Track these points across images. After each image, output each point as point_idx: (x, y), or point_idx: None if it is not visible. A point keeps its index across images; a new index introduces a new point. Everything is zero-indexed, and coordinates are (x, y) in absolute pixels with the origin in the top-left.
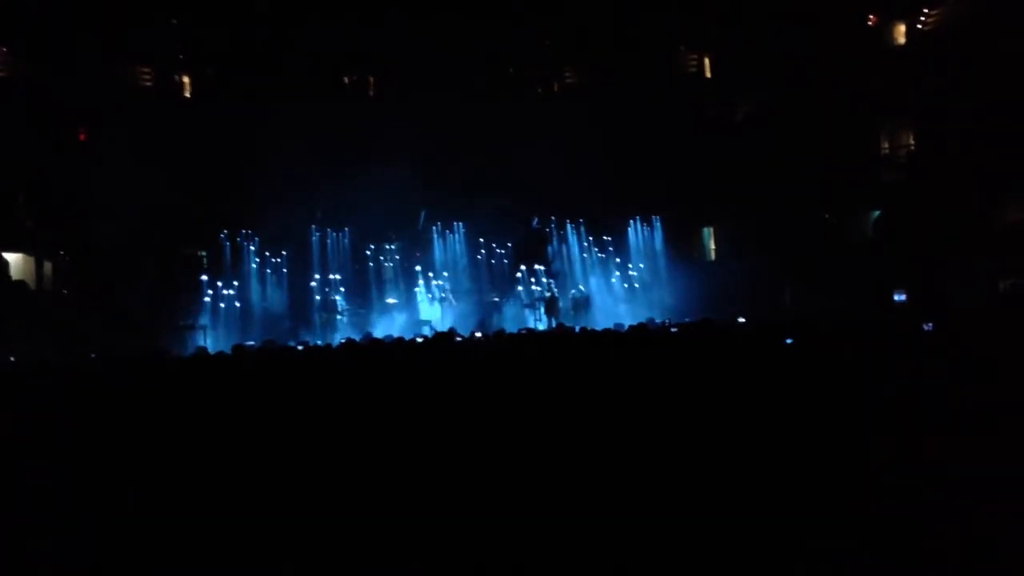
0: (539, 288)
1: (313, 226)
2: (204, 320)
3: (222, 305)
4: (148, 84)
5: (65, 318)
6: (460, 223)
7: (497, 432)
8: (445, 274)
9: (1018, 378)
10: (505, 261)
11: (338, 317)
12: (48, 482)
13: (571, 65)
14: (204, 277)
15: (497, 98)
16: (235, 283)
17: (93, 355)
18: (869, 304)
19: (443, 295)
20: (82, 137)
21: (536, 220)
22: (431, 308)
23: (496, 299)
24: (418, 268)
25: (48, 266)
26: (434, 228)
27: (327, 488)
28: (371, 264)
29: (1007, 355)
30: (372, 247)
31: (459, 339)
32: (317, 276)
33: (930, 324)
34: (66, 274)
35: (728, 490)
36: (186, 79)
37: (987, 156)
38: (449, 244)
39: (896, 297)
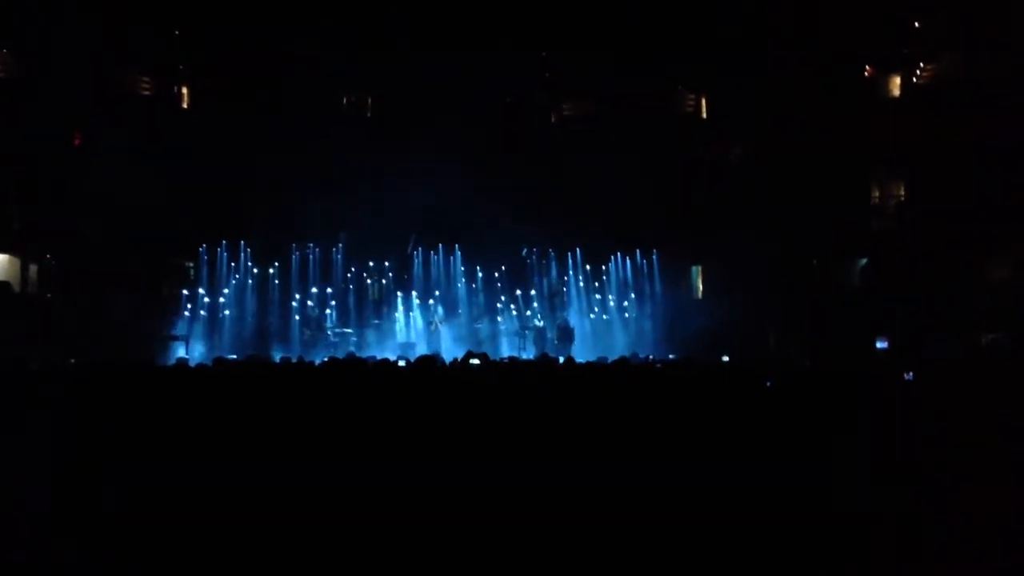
0: (529, 316)
1: (302, 243)
2: (186, 331)
3: (205, 316)
4: (146, 92)
5: (48, 322)
6: (449, 247)
7: (470, 456)
8: (432, 299)
9: (988, 433)
10: (499, 285)
11: (322, 335)
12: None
13: (569, 98)
14: (189, 288)
15: (493, 127)
16: (220, 295)
17: (72, 360)
18: (851, 350)
19: (430, 320)
20: (76, 142)
21: (524, 249)
22: (417, 331)
23: (478, 325)
24: (403, 291)
25: (34, 269)
26: (421, 251)
27: (301, 503)
28: (358, 284)
29: (980, 410)
30: (360, 268)
31: (443, 364)
32: (301, 293)
33: (911, 374)
34: (52, 278)
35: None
36: (184, 90)
37: (975, 211)
38: (438, 267)
39: (878, 344)
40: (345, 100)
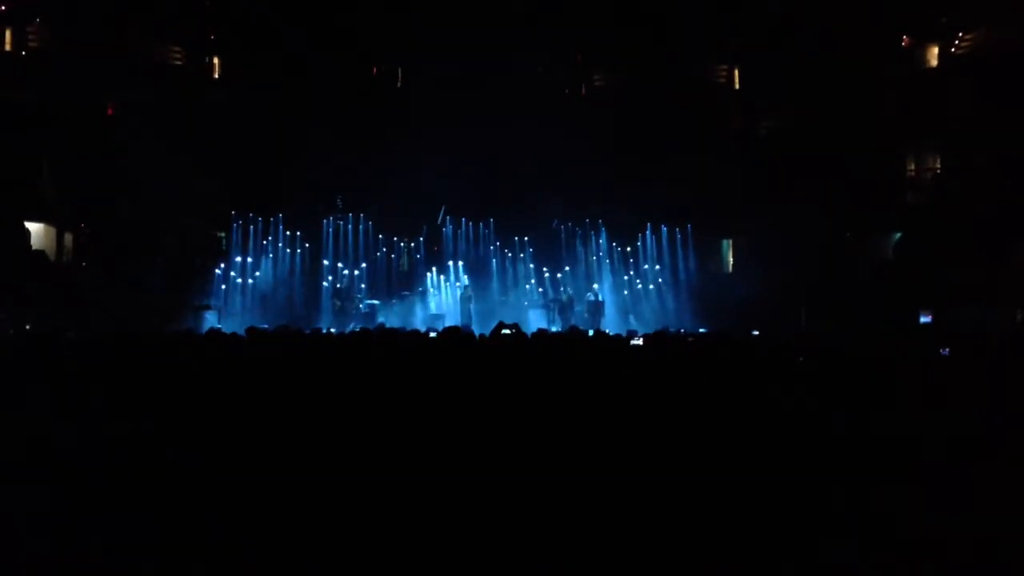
0: (563, 290)
1: (334, 215)
2: (219, 301)
3: (238, 286)
4: (178, 63)
5: (82, 290)
6: (480, 221)
7: (494, 430)
8: (463, 271)
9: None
10: (533, 262)
11: (352, 306)
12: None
13: (600, 69)
14: (221, 258)
15: (524, 99)
16: (253, 266)
17: (107, 330)
18: (889, 326)
19: (466, 292)
20: (110, 111)
21: (556, 221)
22: (447, 303)
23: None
24: (433, 263)
25: (68, 238)
26: (451, 223)
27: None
28: (388, 255)
29: (1014, 385)
30: (391, 239)
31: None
32: (332, 263)
33: (947, 350)
34: (86, 247)
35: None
36: (216, 60)
37: (1012, 185)
38: (467, 240)
39: (922, 319)
40: (375, 70)
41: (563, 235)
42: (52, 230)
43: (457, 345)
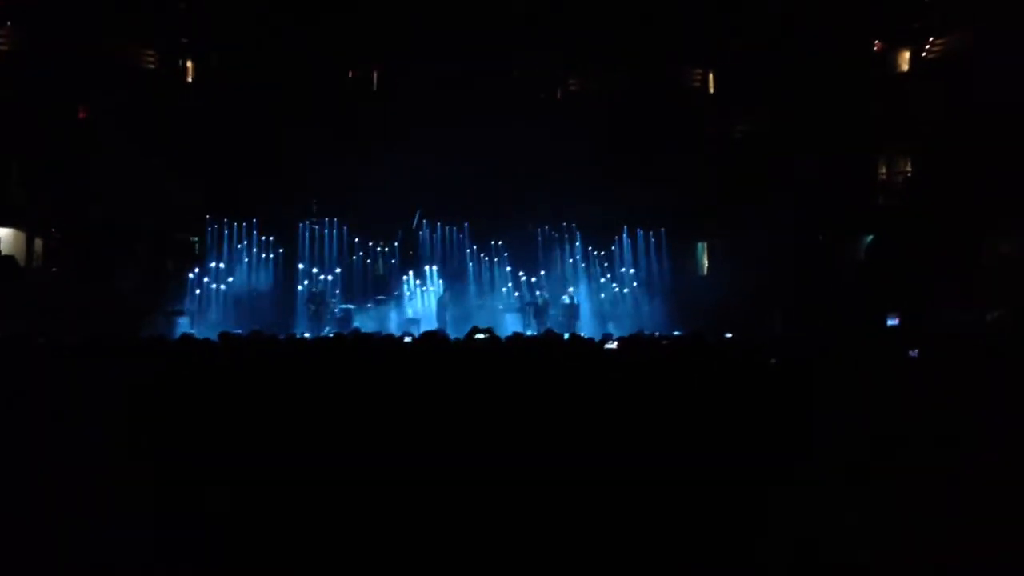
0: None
1: (307, 218)
2: (192, 306)
3: (212, 291)
4: (151, 66)
5: (53, 296)
6: (455, 225)
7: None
8: (437, 275)
9: (984, 411)
10: (509, 266)
11: (327, 310)
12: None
13: (576, 74)
14: (194, 263)
15: (499, 101)
16: (225, 271)
17: (75, 335)
18: (859, 328)
19: (441, 295)
20: (81, 115)
21: (531, 225)
22: (422, 307)
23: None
24: (408, 268)
25: (39, 243)
26: (427, 227)
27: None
28: (364, 260)
29: (979, 387)
30: (365, 244)
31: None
32: (307, 267)
33: (916, 351)
34: (56, 252)
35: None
36: (189, 64)
37: (982, 188)
38: (443, 244)
39: (889, 322)
40: (350, 74)
41: (540, 239)
42: (22, 235)
43: (431, 350)
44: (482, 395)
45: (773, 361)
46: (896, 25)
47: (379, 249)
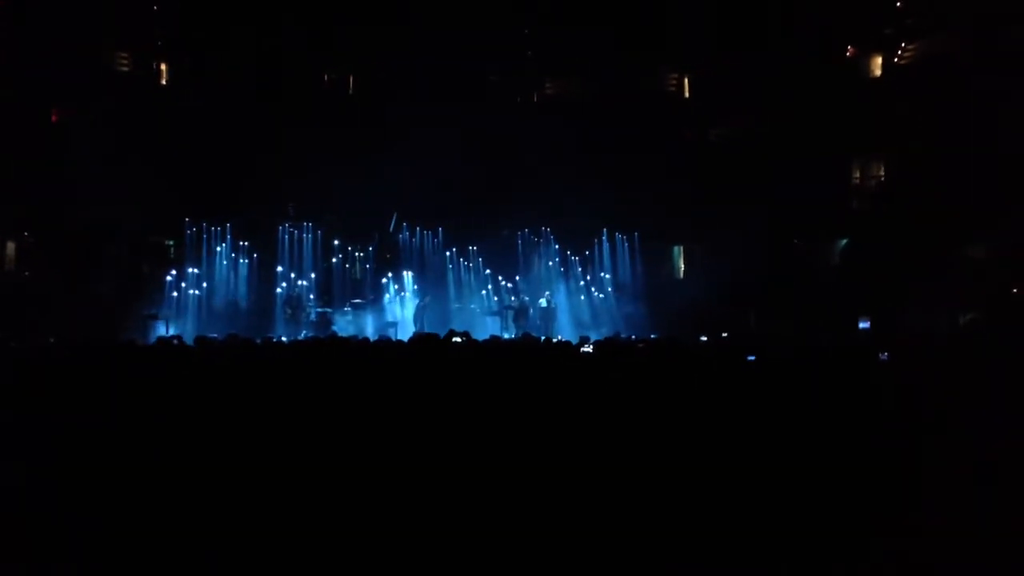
0: (512, 297)
1: (284, 222)
2: (168, 310)
3: (188, 295)
4: (125, 69)
5: (25, 300)
6: (432, 229)
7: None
8: (414, 279)
9: (958, 412)
10: (487, 269)
11: (304, 313)
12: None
13: (552, 77)
14: (170, 266)
15: (476, 105)
16: (201, 275)
17: (51, 340)
18: (831, 331)
19: (422, 298)
20: (54, 118)
21: (507, 231)
22: (399, 310)
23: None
24: (385, 271)
25: (11, 247)
26: (406, 230)
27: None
28: (341, 263)
29: (951, 388)
30: (342, 247)
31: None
32: (284, 271)
33: (886, 354)
34: (30, 256)
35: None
36: (164, 66)
37: (954, 192)
38: (421, 248)
39: (861, 325)
40: (326, 78)
41: (518, 242)
42: None
43: (408, 351)
44: (464, 395)
45: (750, 359)
46: (869, 31)
47: (356, 253)
